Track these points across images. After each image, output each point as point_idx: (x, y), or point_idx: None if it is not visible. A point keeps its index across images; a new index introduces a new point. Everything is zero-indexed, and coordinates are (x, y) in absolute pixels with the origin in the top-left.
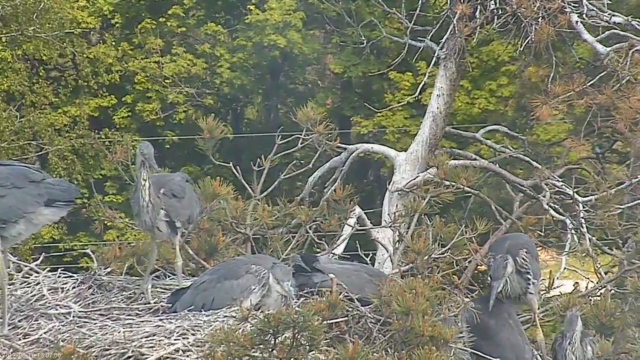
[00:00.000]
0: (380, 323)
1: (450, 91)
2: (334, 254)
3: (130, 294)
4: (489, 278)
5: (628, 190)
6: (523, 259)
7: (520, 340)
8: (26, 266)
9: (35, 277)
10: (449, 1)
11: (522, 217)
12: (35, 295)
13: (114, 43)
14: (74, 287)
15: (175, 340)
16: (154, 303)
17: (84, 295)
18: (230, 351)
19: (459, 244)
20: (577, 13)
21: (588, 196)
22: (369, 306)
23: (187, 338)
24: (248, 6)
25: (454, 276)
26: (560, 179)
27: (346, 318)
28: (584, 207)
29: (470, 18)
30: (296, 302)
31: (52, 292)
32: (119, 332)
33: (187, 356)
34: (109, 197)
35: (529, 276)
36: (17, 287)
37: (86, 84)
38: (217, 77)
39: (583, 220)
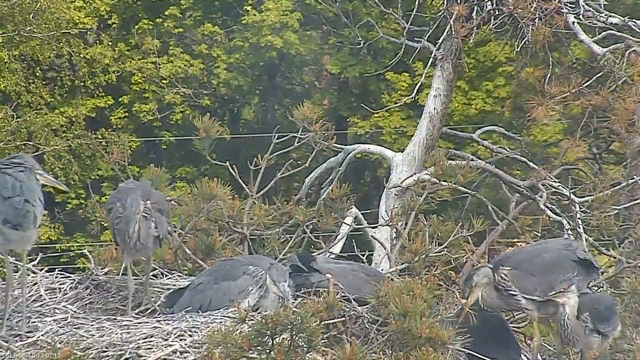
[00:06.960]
0: (378, 324)
1: (447, 92)
2: (331, 253)
3: (127, 294)
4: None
5: (625, 191)
6: (501, 276)
7: (505, 336)
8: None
9: (33, 277)
10: (446, 2)
11: (519, 218)
12: (32, 295)
13: (110, 43)
14: (71, 288)
15: (172, 341)
16: (152, 304)
17: (81, 296)
18: (228, 352)
19: (455, 243)
20: (573, 14)
21: (585, 197)
22: (367, 306)
23: (185, 339)
24: (245, 7)
25: (450, 272)
26: (556, 180)
27: (343, 319)
28: (580, 208)
29: (467, 19)
30: (293, 302)
31: (49, 293)
32: (117, 334)
33: (185, 358)
34: (105, 198)
35: (512, 293)
36: (14, 288)
37: (83, 84)
38: (214, 77)
39: (580, 221)
